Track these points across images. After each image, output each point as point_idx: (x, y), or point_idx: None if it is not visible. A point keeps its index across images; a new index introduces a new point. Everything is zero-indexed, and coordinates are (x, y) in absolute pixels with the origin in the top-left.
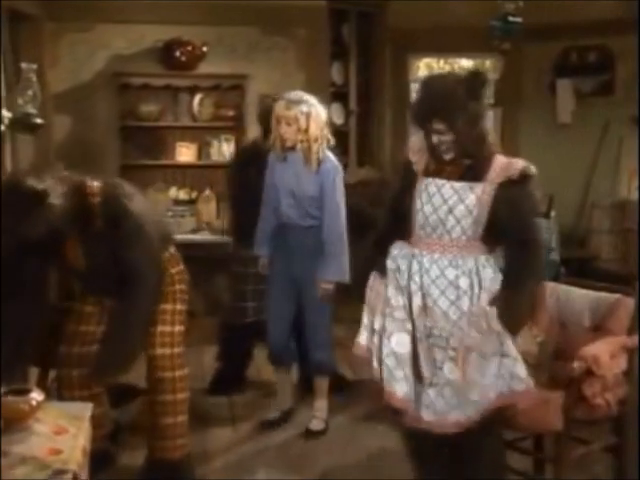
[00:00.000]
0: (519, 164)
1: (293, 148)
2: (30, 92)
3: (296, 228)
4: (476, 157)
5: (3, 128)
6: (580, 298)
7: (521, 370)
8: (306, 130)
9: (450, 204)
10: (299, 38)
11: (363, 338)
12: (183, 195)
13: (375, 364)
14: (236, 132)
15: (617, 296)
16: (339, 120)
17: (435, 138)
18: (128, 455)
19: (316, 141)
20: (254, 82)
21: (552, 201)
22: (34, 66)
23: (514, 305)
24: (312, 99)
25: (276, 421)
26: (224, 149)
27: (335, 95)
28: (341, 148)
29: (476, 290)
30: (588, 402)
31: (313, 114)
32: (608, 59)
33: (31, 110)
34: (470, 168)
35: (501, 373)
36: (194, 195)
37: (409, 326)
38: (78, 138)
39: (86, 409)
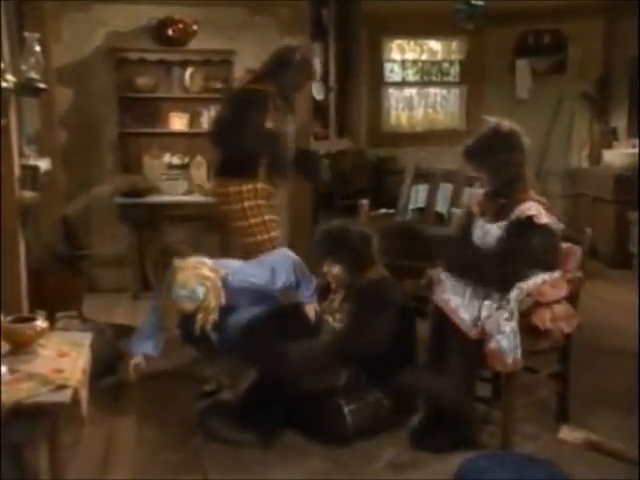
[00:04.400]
0: (531, 210)
1: None
2: (33, 59)
3: None
4: (507, 197)
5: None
6: None
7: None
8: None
9: (483, 239)
10: (282, 17)
11: None
12: (176, 160)
13: None
14: None
15: (568, 245)
16: (320, 96)
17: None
18: None
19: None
20: (241, 57)
21: None
22: (37, 35)
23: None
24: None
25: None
26: None
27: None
28: (322, 121)
29: None
30: (539, 331)
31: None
32: (561, 41)
33: (34, 75)
34: (503, 207)
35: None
36: (186, 160)
37: None
38: (79, 108)
39: (86, 337)
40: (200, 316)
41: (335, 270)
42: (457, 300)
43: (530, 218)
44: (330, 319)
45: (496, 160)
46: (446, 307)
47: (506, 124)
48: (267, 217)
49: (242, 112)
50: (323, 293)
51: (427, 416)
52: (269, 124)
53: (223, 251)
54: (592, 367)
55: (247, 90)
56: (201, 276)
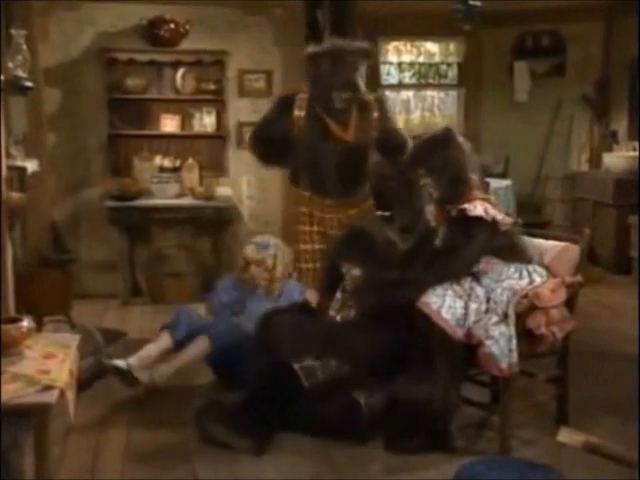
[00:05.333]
0: (465, 205)
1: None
2: (20, 57)
3: None
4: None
5: None
6: (534, 247)
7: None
8: (272, 270)
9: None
10: (275, 17)
11: None
12: (167, 163)
13: None
14: (217, 104)
15: (564, 243)
16: None
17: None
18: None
19: (279, 280)
20: (234, 58)
21: (508, 161)
22: (23, 32)
23: None
24: (279, 242)
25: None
26: (206, 120)
27: None
28: None
29: None
30: (534, 335)
31: (279, 256)
32: (560, 43)
33: (21, 74)
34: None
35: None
36: (178, 163)
37: None
38: (68, 110)
39: (73, 339)
40: (264, 276)
41: (355, 272)
42: (438, 302)
43: (462, 210)
44: (332, 312)
45: (435, 160)
46: (427, 309)
47: (440, 127)
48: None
49: None
50: (331, 287)
51: (403, 417)
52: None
53: (215, 256)
54: (592, 372)
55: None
56: (280, 244)
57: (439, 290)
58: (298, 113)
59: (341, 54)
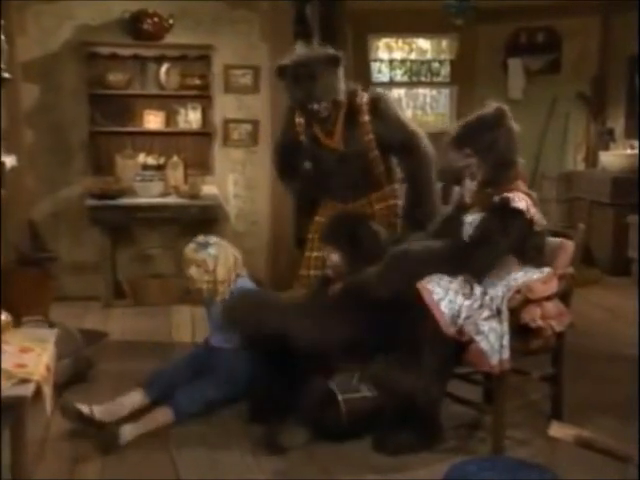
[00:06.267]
0: (510, 195)
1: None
2: None
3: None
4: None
5: None
6: None
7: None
8: (213, 272)
9: (470, 231)
10: (263, 11)
11: None
12: (151, 161)
13: None
14: (202, 101)
15: (560, 240)
16: None
17: (464, 162)
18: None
19: (222, 283)
20: (220, 53)
21: None
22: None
23: None
24: (222, 242)
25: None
26: (191, 117)
27: None
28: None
29: None
30: (530, 330)
31: (221, 257)
32: (555, 40)
33: None
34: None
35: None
36: (162, 161)
37: None
38: (47, 106)
39: (51, 334)
40: (205, 279)
41: (334, 258)
42: (440, 293)
43: (506, 200)
44: None
45: (483, 140)
46: (428, 297)
47: (493, 105)
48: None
49: None
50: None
51: (391, 414)
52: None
53: None
54: (588, 373)
55: None
56: (223, 244)
57: (444, 282)
58: (299, 120)
59: (303, 65)
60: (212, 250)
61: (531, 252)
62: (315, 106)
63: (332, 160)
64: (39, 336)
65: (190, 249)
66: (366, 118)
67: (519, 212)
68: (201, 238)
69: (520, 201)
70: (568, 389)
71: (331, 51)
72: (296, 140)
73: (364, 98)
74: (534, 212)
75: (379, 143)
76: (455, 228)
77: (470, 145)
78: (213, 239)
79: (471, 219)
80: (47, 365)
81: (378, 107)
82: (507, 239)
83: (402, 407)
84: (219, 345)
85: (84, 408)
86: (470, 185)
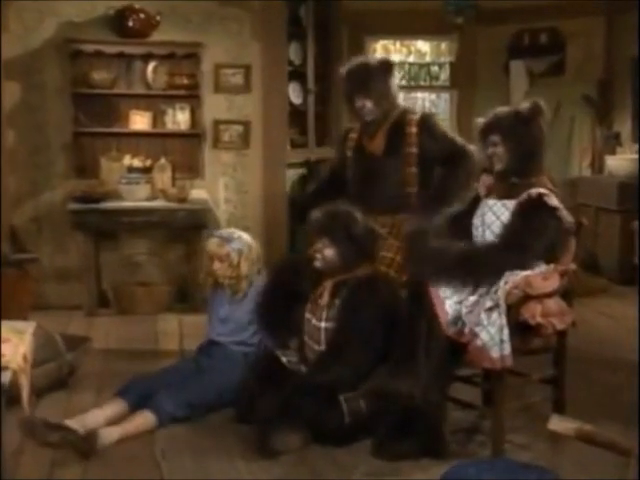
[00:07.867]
0: (543, 190)
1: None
2: None
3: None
4: (521, 176)
5: None
6: None
7: None
8: (237, 266)
9: (488, 221)
10: (254, 9)
11: None
12: (137, 163)
13: None
14: (191, 101)
15: None
16: (297, 100)
17: (490, 150)
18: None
19: (246, 277)
20: (209, 51)
21: None
22: None
23: None
24: (244, 235)
25: None
26: (179, 118)
27: (293, 74)
28: (300, 127)
29: None
30: (530, 327)
31: (245, 251)
32: (559, 41)
33: None
34: (514, 187)
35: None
36: (148, 163)
37: None
38: (29, 105)
39: (29, 326)
40: (229, 274)
41: (327, 252)
42: (447, 292)
43: (541, 196)
44: (314, 320)
45: (514, 131)
46: (434, 293)
47: (529, 101)
48: None
49: None
50: (313, 284)
51: (392, 420)
52: None
53: (188, 263)
54: (592, 380)
55: None
56: (247, 239)
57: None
58: (352, 136)
59: (360, 64)
60: (236, 244)
61: (555, 250)
62: (364, 103)
63: (367, 163)
64: (17, 327)
65: (213, 243)
66: (413, 130)
67: (554, 210)
68: (224, 231)
69: (551, 197)
70: (570, 395)
71: (385, 57)
72: (345, 157)
73: (416, 114)
74: (562, 209)
75: (424, 158)
76: (464, 226)
77: (499, 133)
78: (237, 233)
79: (492, 203)
80: (24, 355)
81: (428, 122)
82: (539, 241)
83: (402, 414)
84: (219, 340)
85: (50, 419)
86: (485, 178)
